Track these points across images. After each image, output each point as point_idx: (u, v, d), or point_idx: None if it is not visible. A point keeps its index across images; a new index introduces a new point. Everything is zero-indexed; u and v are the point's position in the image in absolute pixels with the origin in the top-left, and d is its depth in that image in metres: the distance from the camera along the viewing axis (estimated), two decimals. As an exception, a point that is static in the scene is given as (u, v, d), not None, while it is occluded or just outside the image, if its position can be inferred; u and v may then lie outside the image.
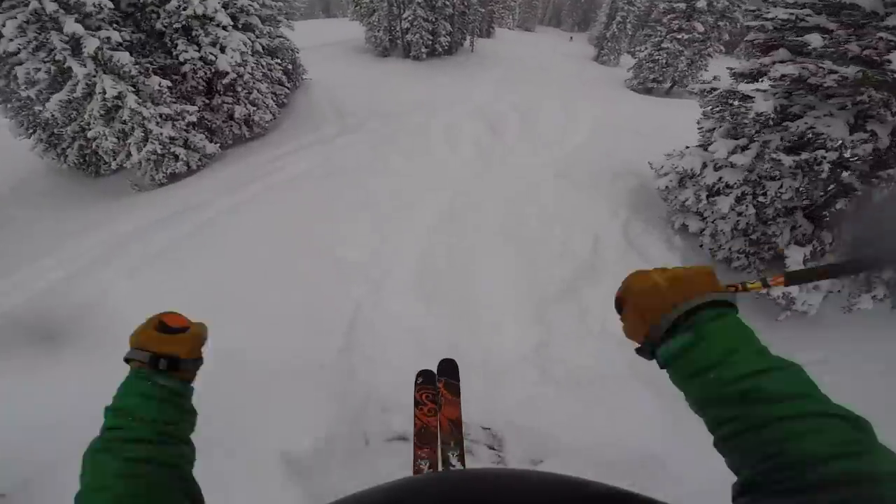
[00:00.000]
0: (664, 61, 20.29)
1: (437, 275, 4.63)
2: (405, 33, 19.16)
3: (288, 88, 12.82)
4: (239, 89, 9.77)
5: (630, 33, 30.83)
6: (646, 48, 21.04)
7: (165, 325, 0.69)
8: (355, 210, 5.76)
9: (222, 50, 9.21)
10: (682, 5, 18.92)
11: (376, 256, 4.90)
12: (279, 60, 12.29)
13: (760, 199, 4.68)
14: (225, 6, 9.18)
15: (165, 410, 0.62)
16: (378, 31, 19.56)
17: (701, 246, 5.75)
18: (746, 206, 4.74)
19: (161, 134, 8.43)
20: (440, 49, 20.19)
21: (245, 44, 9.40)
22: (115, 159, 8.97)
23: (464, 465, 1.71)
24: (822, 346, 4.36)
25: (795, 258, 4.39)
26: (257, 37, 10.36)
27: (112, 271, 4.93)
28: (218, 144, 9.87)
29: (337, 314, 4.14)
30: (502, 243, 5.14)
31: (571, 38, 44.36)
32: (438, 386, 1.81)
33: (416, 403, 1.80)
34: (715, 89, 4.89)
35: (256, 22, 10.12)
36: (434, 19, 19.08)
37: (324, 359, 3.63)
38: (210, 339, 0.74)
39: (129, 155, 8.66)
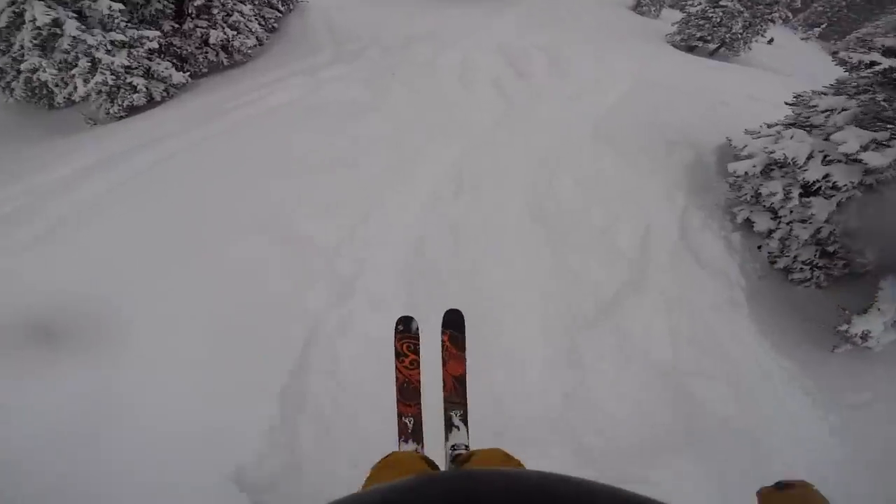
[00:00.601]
0: (718, 19, 17.83)
1: (435, 273, 3.38)
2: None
3: (280, 11, 11.01)
4: (215, 12, 8.20)
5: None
6: (699, 2, 18.42)
7: None
8: (334, 166, 4.36)
9: None
10: None
11: (351, 239, 3.53)
12: None
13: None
14: None
15: None
16: None
17: (759, 248, 4.60)
18: (848, 216, 3.57)
19: (112, 63, 7.09)
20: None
21: None
22: (61, 92, 7.71)
23: (467, 427, 1.64)
24: (872, 386, 3.44)
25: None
26: None
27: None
28: (188, 73, 8.50)
29: (278, 347, 2.69)
30: (528, 226, 3.86)
31: None
32: (443, 339, 1.70)
33: (397, 354, 1.70)
34: (875, 63, 3.41)
35: None
36: None
37: (236, 459, 2.18)
38: None
39: (75, 88, 7.36)
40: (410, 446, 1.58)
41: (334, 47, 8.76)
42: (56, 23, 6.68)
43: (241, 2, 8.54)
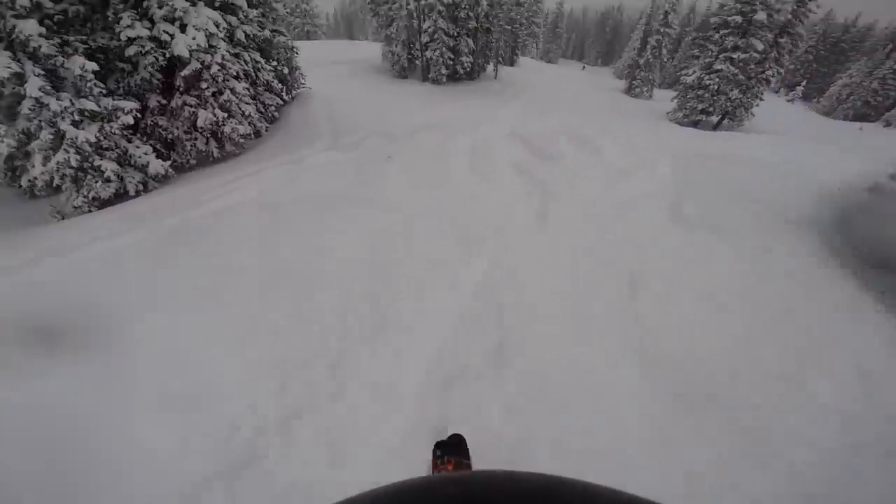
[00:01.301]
0: (715, 87, 17.61)
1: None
2: (425, 49, 16.96)
3: (282, 99, 10.45)
4: (204, 85, 7.13)
5: (665, 60, 28.59)
6: (693, 71, 18.43)
7: None
8: (278, 289, 2.86)
9: (182, 29, 6.68)
10: (738, 18, 16.45)
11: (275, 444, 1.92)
12: (274, 63, 9.95)
13: None
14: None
15: None
16: (396, 45, 17.38)
17: None
18: None
19: (77, 138, 5.86)
20: (462, 72, 17.94)
21: (217, 24, 6.87)
22: (26, 174, 6.54)
23: None
24: None
25: None
26: (241, 21, 7.96)
27: None
28: (171, 162, 7.28)
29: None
30: (654, 411, 2.07)
31: (584, 66, 42.64)
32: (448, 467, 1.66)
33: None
34: None
35: (241, 3, 7.73)
36: (456, 33, 16.86)
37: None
38: None
39: (33, 165, 6.17)
40: None
41: (333, 137, 7.83)
42: (19, 79, 5.56)
43: (234, 78, 7.58)
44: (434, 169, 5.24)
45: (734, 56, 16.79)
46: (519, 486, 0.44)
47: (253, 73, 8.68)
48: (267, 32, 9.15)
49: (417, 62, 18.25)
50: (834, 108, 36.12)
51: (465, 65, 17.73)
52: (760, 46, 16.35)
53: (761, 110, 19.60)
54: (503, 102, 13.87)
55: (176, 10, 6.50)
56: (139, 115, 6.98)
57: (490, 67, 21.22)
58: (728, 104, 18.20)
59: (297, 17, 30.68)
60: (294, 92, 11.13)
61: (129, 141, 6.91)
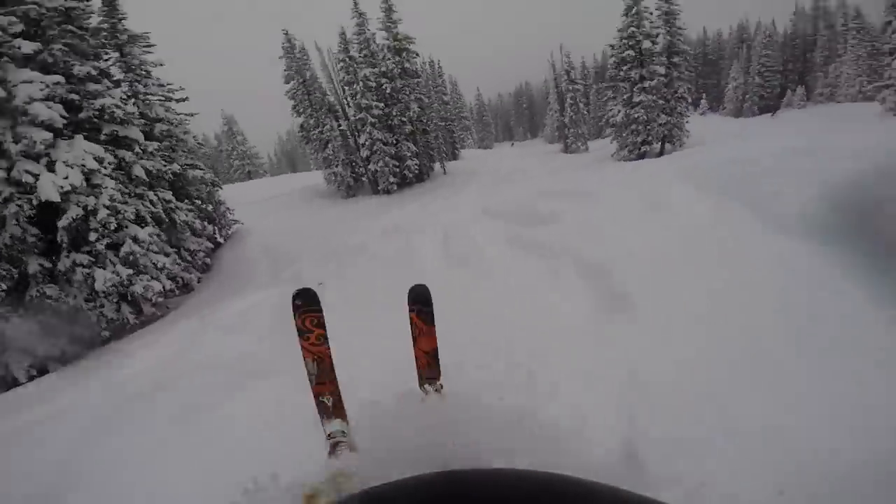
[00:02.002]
0: (644, 118, 18.10)
1: None
2: (367, 163, 16.76)
3: (214, 242, 9.30)
4: (93, 237, 5.79)
5: (585, 114, 30.36)
6: (619, 110, 19.04)
7: None
8: None
9: (50, 167, 5.48)
10: (631, 52, 17.50)
11: None
12: (196, 202, 8.87)
13: None
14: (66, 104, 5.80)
15: None
16: (336, 165, 17.06)
17: None
18: None
19: None
20: (410, 176, 17.70)
21: (100, 159, 5.77)
22: None
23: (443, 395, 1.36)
24: None
25: None
26: (139, 156, 6.80)
27: None
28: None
29: None
30: None
31: (513, 144, 44.96)
32: (410, 316, 1.55)
33: (300, 332, 1.43)
34: None
35: (136, 135, 6.76)
36: (395, 140, 16.89)
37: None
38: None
39: None
40: (336, 424, 1.34)
41: (272, 274, 6.54)
42: None
43: (134, 223, 6.16)
44: (394, 279, 3.91)
45: (646, 85, 17.53)
46: (519, 483, 0.43)
47: (164, 216, 7.41)
48: (176, 167, 8.15)
49: (363, 178, 18.00)
50: (740, 110, 38.85)
51: (413, 168, 17.61)
52: (662, 70, 17.34)
53: (689, 126, 20.15)
54: (459, 190, 13.36)
55: (36, 143, 5.28)
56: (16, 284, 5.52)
57: (437, 166, 21.33)
58: (662, 129, 18.61)
59: (237, 160, 31.48)
60: (227, 231, 10.03)
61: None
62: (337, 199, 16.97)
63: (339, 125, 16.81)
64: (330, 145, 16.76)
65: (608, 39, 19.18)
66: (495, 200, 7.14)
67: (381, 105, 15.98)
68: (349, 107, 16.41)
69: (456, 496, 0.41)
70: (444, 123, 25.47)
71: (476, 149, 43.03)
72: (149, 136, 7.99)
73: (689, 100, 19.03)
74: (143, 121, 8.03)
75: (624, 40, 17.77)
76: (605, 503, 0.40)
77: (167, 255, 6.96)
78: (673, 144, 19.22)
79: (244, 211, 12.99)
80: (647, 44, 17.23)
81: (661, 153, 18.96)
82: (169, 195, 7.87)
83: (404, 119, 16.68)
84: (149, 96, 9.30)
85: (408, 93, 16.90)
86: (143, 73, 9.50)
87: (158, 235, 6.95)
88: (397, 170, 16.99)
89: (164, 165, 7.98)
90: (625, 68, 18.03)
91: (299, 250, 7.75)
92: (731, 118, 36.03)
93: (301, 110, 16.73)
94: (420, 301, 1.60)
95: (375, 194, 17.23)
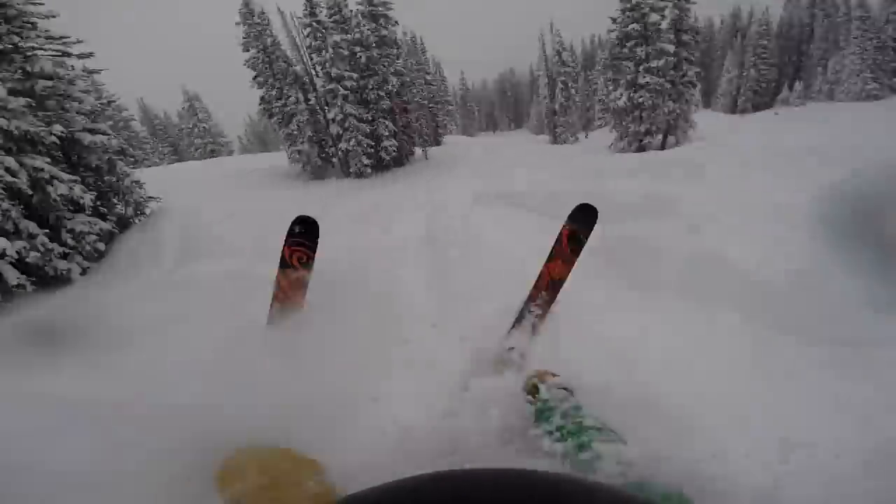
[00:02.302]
0: (649, 103, 16.21)
1: None
2: (338, 141, 14.39)
3: (117, 224, 7.24)
4: None
5: (578, 103, 28.50)
6: (620, 94, 17.03)
7: None
8: None
9: None
10: (637, 26, 15.56)
11: None
12: (89, 175, 6.94)
13: None
14: None
15: None
16: (301, 143, 14.63)
17: None
18: None
19: None
20: (388, 158, 15.41)
21: None
22: None
23: (534, 332, 1.53)
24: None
25: None
26: None
27: None
28: None
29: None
30: None
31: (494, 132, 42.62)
32: (562, 231, 1.51)
33: (281, 263, 1.54)
34: None
35: None
36: (371, 117, 14.58)
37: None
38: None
39: None
40: None
41: (172, 266, 4.86)
42: None
43: None
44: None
45: (652, 65, 15.60)
46: (519, 483, 0.43)
47: (29, 187, 5.44)
48: (58, 128, 6.11)
49: (334, 159, 15.61)
50: (734, 105, 37.59)
51: (390, 149, 15.30)
52: (671, 48, 15.40)
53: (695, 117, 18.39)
54: (446, 174, 11.24)
55: None
56: None
57: (418, 150, 19.06)
58: (667, 118, 16.72)
59: (198, 138, 28.53)
60: (143, 211, 7.89)
61: None
62: (301, 181, 14.55)
63: (308, 98, 14.37)
64: (295, 120, 14.31)
65: (595, 27, 17.34)
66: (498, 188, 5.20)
67: (355, 76, 13.65)
68: (318, 76, 13.96)
69: (456, 496, 0.41)
70: (426, 104, 23.06)
71: (459, 136, 40.77)
72: (23, 93, 6.14)
73: (698, 86, 17.25)
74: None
75: (628, 13, 15.77)
76: (604, 503, 0.40)
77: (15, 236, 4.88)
78: (676, 137, 17.53)
79: (189, 190, 10.67)
80: (653, 17, 15.29)
81: (662, 146, 17.29)
82: (41, 162, 5.83)
83: (381, 93, 14.39)
84: (36, 51, 7.23)
85: (386, 64, 14.61)
86: (26, 24, 7.38)
87: (17, 210, 5.11)
88: (372, 150, 14.71)
89: (41, 127, 5.94)
90: (629, 44, 16.06)
91: (228, 240, 5.71)
92: (724, 115, 34.41)
93: (262, 81, 14.32)
94: (581, 221, 1.46)
95: (346, 177, 14.93)
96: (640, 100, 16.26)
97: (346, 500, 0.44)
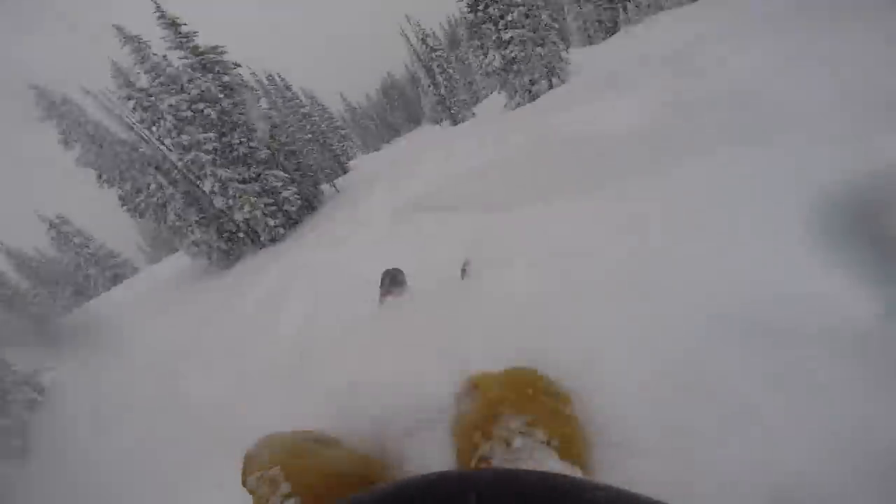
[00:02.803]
0: (521, 54, 16.02)
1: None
2: (231, 213, 12.65)
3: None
4: None
5: (458, 79, 28.17)
6: (493, 56, 16.69)
7: None
8: None
9: None
10: None
11: None
12: None
13: None
14: None
15: None
16: (192, 232, 12.67)
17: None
18: None
19: None
20: (293, 210, 13.83)
21: None
22: None
23: None
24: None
25: None
26: None
27: None
28: None
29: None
30: None
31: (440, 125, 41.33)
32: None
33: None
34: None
35: None
36: (255, 175, 12.93)
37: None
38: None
39: None
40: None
41: None
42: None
43: None
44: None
45: (509, 19, 15.44)
46: (519, 483, 0.42)
47: None
48: None
49: (240, 234, 13.81)
50: (589, 38, 38.94)
51: (292, 200, 13.75)
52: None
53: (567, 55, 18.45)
54: (360, 203, 10.06)
55: None
56: None
57: (326, 187, 17.60)
58: (543, 63, 16.63)
59: (91, 268, 24.55)
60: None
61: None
62: (209, 278, 12.68)
63: (174, 180, 12.49)
64: (170, 209, 12.37)
65: (446, 8, 16.96)
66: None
67: (212, 136, 11.90)
68: (171, 150, 12.10)
69: (456, 496, 0.40)
70: (313, 137, 21.62)
71: (366, 154, 39.47)
72: None
73: (557, 27, 17.32)
74: None
75: (468, -21, 15.41)
76: (603, 503, 0.39)
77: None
78: (559, 78, 17.52)
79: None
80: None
81: (550, 88, 17.30)
82: None
83: (253, 145, 12.77)
84: None
85: (244, 112, 12.97)
86: None
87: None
88: (275, 209, 13.15)
89: None
90: (480, 8, 15.75)
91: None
92: (586, 48, 35.55)
93: (109, 177, 12.22)
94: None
95: (262, 248, 13.22)
96: (512, 54, 16.05)
97: (346, 500, 0.43)
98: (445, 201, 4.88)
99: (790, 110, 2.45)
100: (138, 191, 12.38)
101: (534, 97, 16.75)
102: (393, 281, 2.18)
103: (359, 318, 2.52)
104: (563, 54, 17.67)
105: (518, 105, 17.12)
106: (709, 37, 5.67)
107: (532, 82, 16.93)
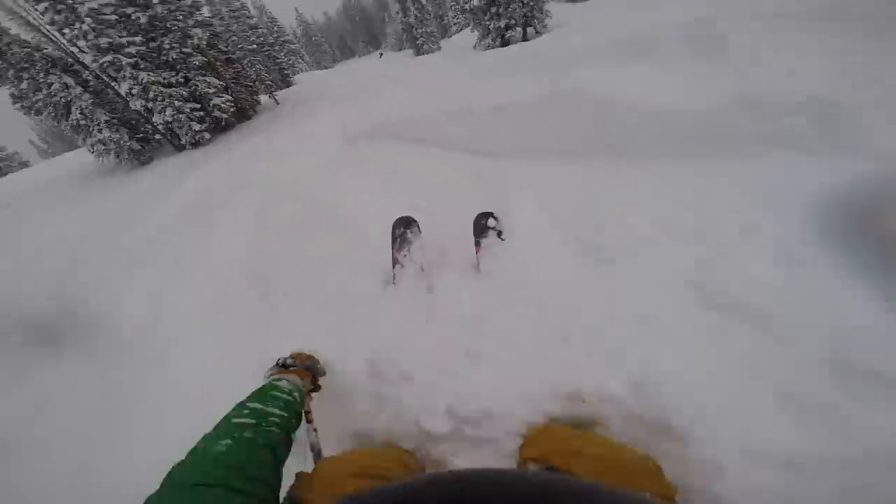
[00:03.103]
0: (503, -4, 14.88)
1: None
2: (150, 114, 10.96)
3: None
4: None
5: (431, 12, 25.91)
6: (471, -6, 15.36)
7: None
8: None
9: None
10: None
11: None
12: None
13: None
14: None
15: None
16: (99, 130, 10.97)
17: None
18: None
19: None
20: (225, 116, 12.27)
21: None
22: None
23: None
24: None
25: None
26: None
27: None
28: None
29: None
30: None
31: (381, 54, 38.54)
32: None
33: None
34: None
35: None
36: (184, 78, 11.22)
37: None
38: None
39: None
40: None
41: None
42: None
43: None
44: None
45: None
46: (519, 483, 0.42)
47: None
48: None
49: (157, 136, 12.09)
50: None
51: (224, 107, 12.11)
52: None
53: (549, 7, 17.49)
54: (304, 118, 8.92)
55: None
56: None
57: (265, 97, 15.89)
58: (524, 10, 15.68)
59: None
60: None
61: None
62: (119, 176, 10.96)
63: (86, 81, 10.58)
64: (75, 108, 10.47)
65: None
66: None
67: (138, 40, 10.18)
68: (85, 52, 10.14)
69: (455, 496, 0.40)
70: (258, 48, 19.12)
71: (314, 71, 35.82)
72: None
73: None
74: None
75: None
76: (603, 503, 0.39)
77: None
78: (534, 28, 16.64)
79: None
80: None
81: (524, 38, 16.47)
82: None
83: (187, 50, 10.93)
84: None
85: (181, 17, 11.06)
86: None
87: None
88: (202, 114, 11.49)
89: None
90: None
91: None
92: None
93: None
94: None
95: (181, 151, 11.65)
96: (491, -8, 14.81)
97: (347, 500, 0.43)
98: (412, 133, 4.28)
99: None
100: (36, 90, 10.64)
101: (506, 42, 15.91)
102: (405, 234, 1.80)
103: (365, 294, 1.99)
104: (546, 6, 16.74)
105: (488, 47, 16.16)
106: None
107: (507, 27, 15.94)
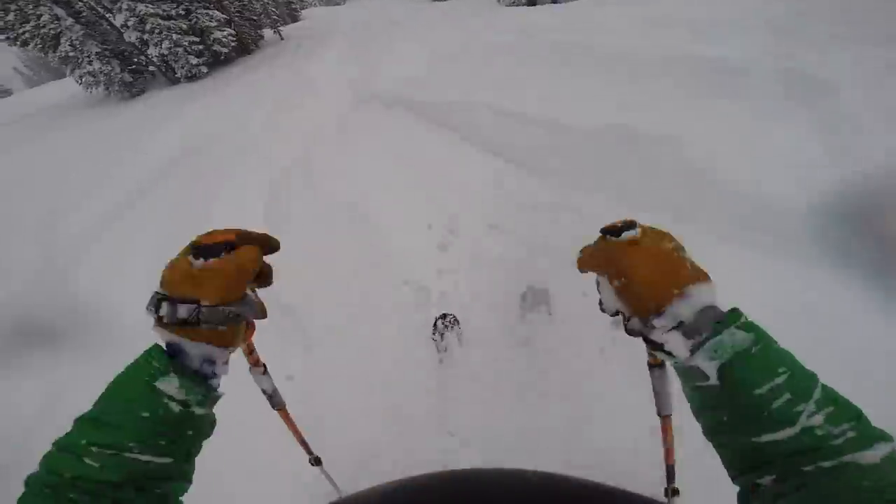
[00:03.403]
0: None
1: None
2: (145, 48, 10.18)
3: None
4: None
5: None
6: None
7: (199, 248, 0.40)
8: None
9: None
10: None
11: None
12: None
13: None
14: None
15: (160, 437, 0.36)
16: (90, 62, 10.27)
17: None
18: None
19: None
20: (225, 51, 11.39)
21: None
22: None
23: None
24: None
25: None
26: None
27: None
28: None
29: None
30: None
31: None
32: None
33: None
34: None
35: None
36: (184, 11, 10.37)
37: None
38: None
39: None
40: None
41: None
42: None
43: None
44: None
45: None
46: (518, 483, 0.41)
47: None
48: None
49: (151, 68, 11.32)
50: None
51: (225, 40, 11.26)
52: None
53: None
54: (309, 61, 8.26)
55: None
56: None
57: (269, 32, 14.87)
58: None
59: None
60: None
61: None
62: (108, 107, 10.30)
63: (79, 12, 9.82)
64: (64, 40, 9.73)
65: None
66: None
67: None
68: None
69: (455, 496, 0.39)
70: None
71: (322, 6, 33.18)
72: None
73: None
74: None
75: None
76: (603, 503, 0.38)
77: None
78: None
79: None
80: None
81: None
82: None
83: None
84: None
85: None
86: None
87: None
88: (200, 48, 10.68)
89: None
90: None
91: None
92: None
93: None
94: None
95: (175, 84, 10.96)
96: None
97: (347, 500, 0.42)
98: (436, 113, 3.72)
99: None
100: (23, 21, 10.04)
101: (533, 2, 14.64)
102: (445, 332, 1.69)
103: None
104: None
105: (514, 3, 14.89)
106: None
107: (537, -18, 14.58)
